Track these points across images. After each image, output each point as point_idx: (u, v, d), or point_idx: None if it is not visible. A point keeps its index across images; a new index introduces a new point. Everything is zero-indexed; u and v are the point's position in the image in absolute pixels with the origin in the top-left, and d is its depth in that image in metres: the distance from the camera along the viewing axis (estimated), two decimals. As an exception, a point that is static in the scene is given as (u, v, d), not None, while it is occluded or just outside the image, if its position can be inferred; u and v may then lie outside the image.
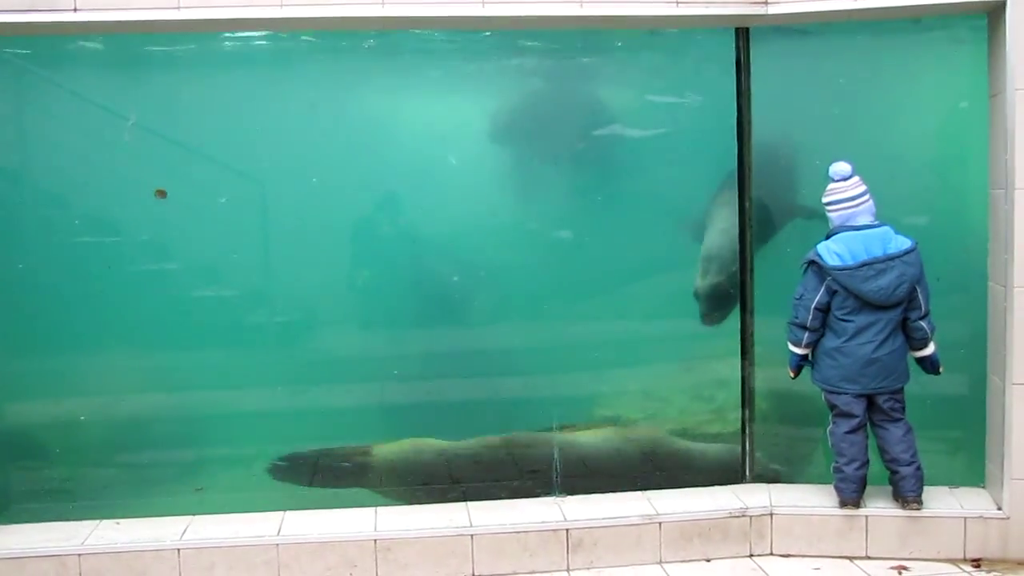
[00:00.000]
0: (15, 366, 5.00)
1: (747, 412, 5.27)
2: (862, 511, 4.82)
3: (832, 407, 4.82)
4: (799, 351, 4.86)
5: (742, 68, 5.11)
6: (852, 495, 4.80)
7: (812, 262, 4.75)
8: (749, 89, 5.11)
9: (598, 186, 5.27)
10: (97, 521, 4.94)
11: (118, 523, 4.93)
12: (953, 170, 5.15)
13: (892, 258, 4.62)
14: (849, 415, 4.75)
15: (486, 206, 5.24)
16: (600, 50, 5.17)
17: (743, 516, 4.91)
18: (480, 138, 5.24)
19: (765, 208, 5.21)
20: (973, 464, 5.08)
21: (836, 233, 4.75)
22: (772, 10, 4.81)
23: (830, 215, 4.78)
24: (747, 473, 5.29)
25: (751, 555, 4.91)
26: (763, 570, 4.75)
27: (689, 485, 5.23)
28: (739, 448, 5.28)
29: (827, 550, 4.85)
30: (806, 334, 4.79)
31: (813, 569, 4.74)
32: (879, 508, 4.84)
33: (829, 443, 4.85)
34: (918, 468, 4.75)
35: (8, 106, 4.94)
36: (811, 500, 4.98)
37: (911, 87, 5.15)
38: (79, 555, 4.64)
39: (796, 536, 4.89)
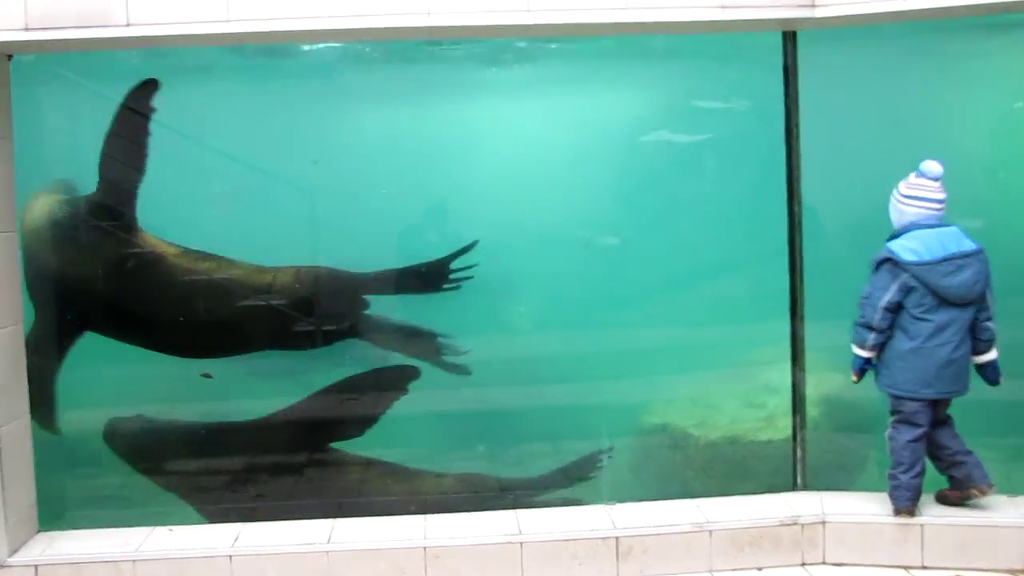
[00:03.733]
0: (73, 375, 5.10)
1: (798, 419, 5.21)
2: (917, 519, 4.74)
3: (896, 413, 4.69)
4: (864, 353, 4.73)
5: (790, 72, 5.07)
6: (907, 503, 4.72)
7: (886, 259, 4.62)
8: (797, 93, 5.07)
9: (647, 192, 5.25)
10: (151, 528, 5.01)
11: (171, 530, 4.99)
12: (1008, 171, 5.05)
13: (968, 255, 4.54)
14: (914, 423, 4.63)
15: (537, 212, 5.25)
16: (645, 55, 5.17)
17: (795, 524, 4.86)
18: (528, 146, 5.26)
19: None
20: (1033, 472, 5.00)
21: (907, 231, 4.63)
22: (819, 13, 4.76)
23: (904, 209, 4.65)
24: (798, 480, 5.22)
25: (803, 564, 4.85)
26: (816, 579, 4.71)
27: (740, 492, 5.19)
28: (790, 455, 5.23)
29: (881, 559, 4.77)
30: (872, 335, 4.66)
31: (867, 579, 4.69)
32: (934, 516, 4.75)
33: (888, 449, 4.75)
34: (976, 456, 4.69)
35: (62, 120, 5.05)
36: (864, 508, 4.91)
37: (963, 88, 5.08)
38: (133, 561, 4.70)
39: (849, 545, 4.82)
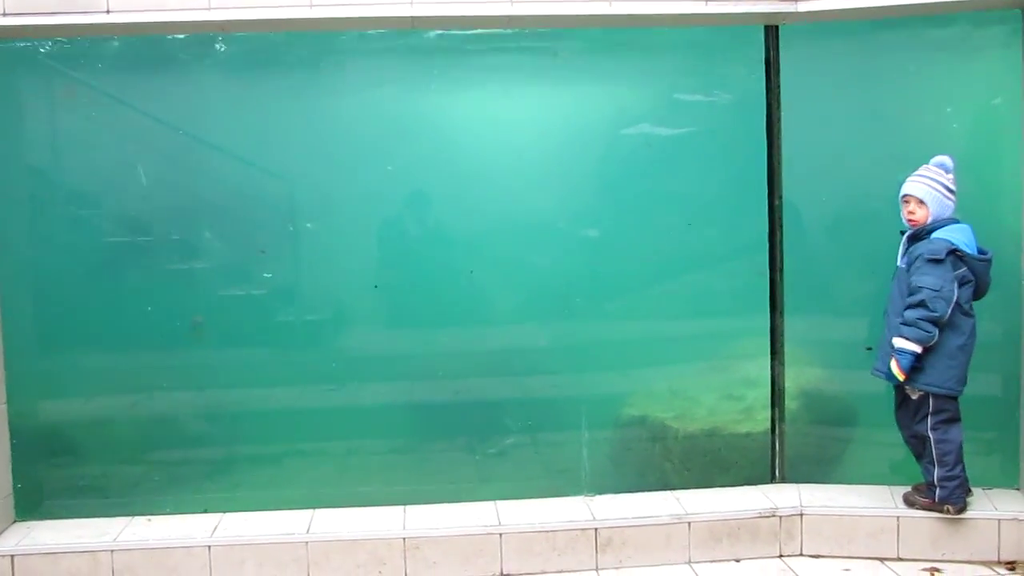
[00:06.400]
0: (48, 364, 5.06)
1: (777, 412, 5.25)
2: (893, 511, 4.79)
3: (941, 412, 4.60)
4: (919, 350, 4.53)
5: (771, 67, 5.09)
6: (968, 497, 4.75)
7: (952, 251, 4.51)
8: (779, 88, 5.09)
9: (627, 185, 5.24)
10: (129, 518, 4.99)
11: (149, 520, 4.98)
12: (986, 168, 5.08)
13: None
14: (958, 419, 4.61)
15: (519, 204, 5.24)
16: (627, 49, 5.17)
17: (773, 516, 4.89)
18: (508, 137, 5.24)
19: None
20: (1007, 466, 5.03)
21: (944, 225, 4.57)
22: (802, 7, 4.79)
23: (949, 204, 4.61)
24: (776, 473, 5.26)
25: (780, 555, 4.88)
26: (793, 571, 4.73)
27: (718, 484, 5.22)
28: (769, 448, 5.26)
29: (858, 551, 4.82)
30: (937, 331, 4.50)
31: (843, 570, 4.71)
32: (910, 509, 4.80)
33: (935, 453, 4.64)
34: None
35: (41, 106, 5.01)
36: (841, 500, 4.95)
37: (943, 84, 5.09)
38: (111, 551, 4.69)
39: (826, 537, 4.86)
